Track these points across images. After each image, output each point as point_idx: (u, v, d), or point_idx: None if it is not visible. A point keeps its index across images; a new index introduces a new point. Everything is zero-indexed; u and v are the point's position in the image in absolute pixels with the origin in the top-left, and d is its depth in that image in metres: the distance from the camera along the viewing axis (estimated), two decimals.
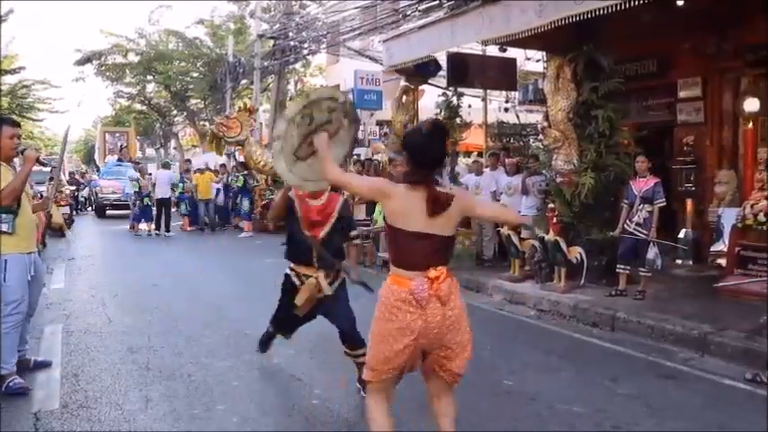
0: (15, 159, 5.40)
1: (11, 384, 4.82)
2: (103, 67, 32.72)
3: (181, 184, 18.84)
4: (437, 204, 3.10)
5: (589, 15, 7.67)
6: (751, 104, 9.39)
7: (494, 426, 4.36)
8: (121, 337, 6.62)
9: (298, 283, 4.87)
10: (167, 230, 17.50)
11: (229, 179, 19.35)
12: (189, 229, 18.67)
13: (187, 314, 7.72)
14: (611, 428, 4.35)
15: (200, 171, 19.40)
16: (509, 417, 4.56)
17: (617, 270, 8.10)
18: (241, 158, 18.99)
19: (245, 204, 17.89)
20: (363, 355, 3.90)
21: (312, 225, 4.75)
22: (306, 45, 22.56)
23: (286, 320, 5.19)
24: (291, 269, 4.96)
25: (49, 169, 6.98)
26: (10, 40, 31.75)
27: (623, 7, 7.28)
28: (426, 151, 3.17)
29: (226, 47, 27.51)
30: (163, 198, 17.66)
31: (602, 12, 7.51)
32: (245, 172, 18.13)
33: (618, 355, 6.24)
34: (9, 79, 32.20)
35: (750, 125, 9.30)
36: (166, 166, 20.63)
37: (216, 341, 6.46)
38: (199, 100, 33.69)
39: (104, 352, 6.07)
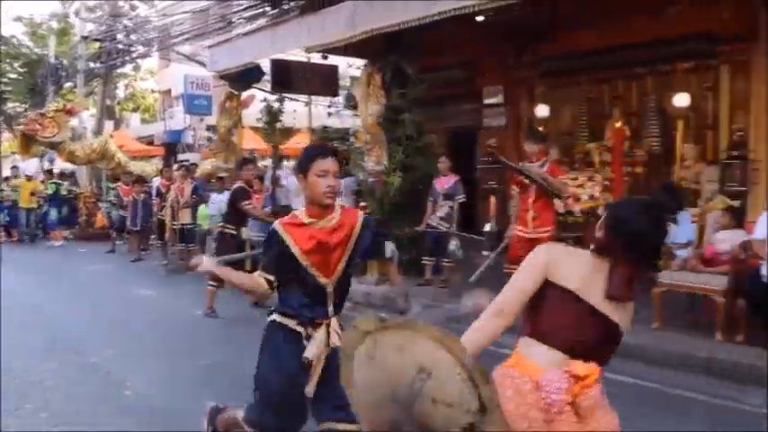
0: None
1: None
2: None
3: None
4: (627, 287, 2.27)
5: (398, 27, 8.31)
6: (542, 110, 10.57)
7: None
8: None
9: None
10: None
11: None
12: (4, 240, 17.56)
13: (4, 319, 7.63)
14: None
15: (28, 178, 18.39)
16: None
17: (422, 262, 8.87)
18: (48, 166, 18.24)
19: (53, 213, 17.12)
20: None
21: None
22: (134, 48, 22.11)
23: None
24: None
25: None
26: None
27: (428, 22, 7.94)
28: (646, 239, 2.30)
29: (47, 47, 26.31)
30: None
31: (410, 24, 8.13)
32: (56, 180, 17.47)
33: None
34: None
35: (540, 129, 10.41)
36: None
37: (32, 343, 6.54)
38: (17, 103, 31.82)
39: None
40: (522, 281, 2.32)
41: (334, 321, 3.08)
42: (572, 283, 2.26)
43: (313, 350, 2.96)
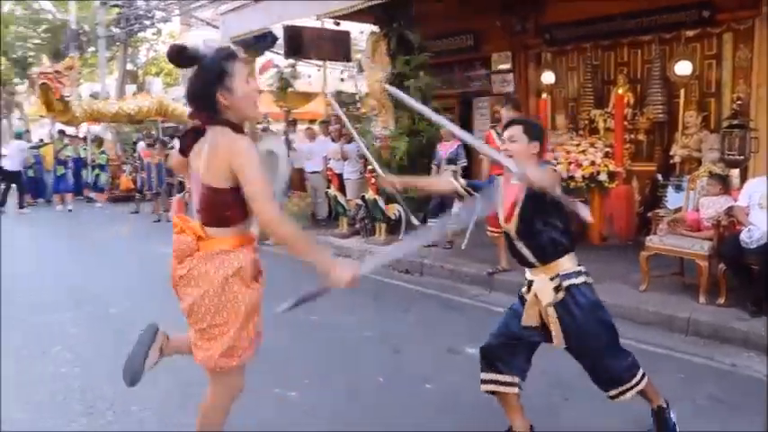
0: None
1: None
2: None
3: None
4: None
5: None
6: (548, 77, 10.72)
7: (291, 351, 5.22)
8: None
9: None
10: (20, 206, 16.14)
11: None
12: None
13: (30, 274, 8.26)
14: (393, 348, 5.34)
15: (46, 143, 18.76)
16: (304, 342, 5.47)
17: (428, 223, 9.17)
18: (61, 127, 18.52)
19: (69, 176, 17.08)
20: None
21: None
22: (153, 13, 22.39)
23: None
24: None
25: None
26: None
27: None
28: None
29: (69, 11, 26.65)
30: (13, 171, 16.34)
31: None
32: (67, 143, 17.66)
33: (417, 293, 7.36)
34: None
35: (547, 96, 10.60)
36: (18, 136, 18.92)
37: (57, 296, 7.06)
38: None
39: None
40: None
41: (538, 280, 3.28)
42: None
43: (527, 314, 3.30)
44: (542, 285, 3.23)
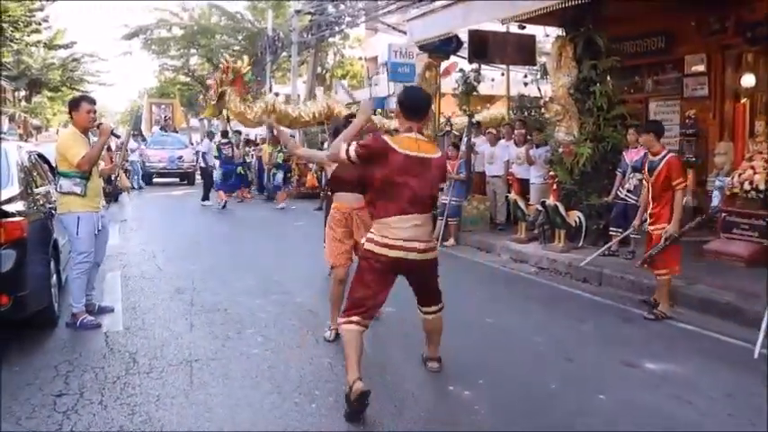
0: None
1: (84, 321, 5.81)
2: (149, 41, 34.09)
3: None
4: None
5: None
6: (748, 80, 10.02)
7: (467, 351, 5.28)
8: (170, 280, 7.84)
9: None
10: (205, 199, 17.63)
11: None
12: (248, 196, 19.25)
13: (225, 264, 8.95)
14: (565, 356, 5.26)
15: (263, 141, 19.99)
16: (479, 343, 5.54)
17: (610, 232, 8.91)
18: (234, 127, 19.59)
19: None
20: None
21: None
22: (342, 19, 23.39)
23: None
24: None
25: (121, 140, 8.02)
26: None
27: None
28: None
29: (266, 20, 28.52)
30: (204, 167, 18.25)
31: None
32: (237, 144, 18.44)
33: (593, 303, 7.16)
34: (61, 53, 33.94)
35: (746, 100, 9.90)
36: (210, 136, 20.58)
37: (248, 285, 7.60)
38: None
39: (156, 292, 7.28)
40: None
41: None
42: None
43: None
44: None
